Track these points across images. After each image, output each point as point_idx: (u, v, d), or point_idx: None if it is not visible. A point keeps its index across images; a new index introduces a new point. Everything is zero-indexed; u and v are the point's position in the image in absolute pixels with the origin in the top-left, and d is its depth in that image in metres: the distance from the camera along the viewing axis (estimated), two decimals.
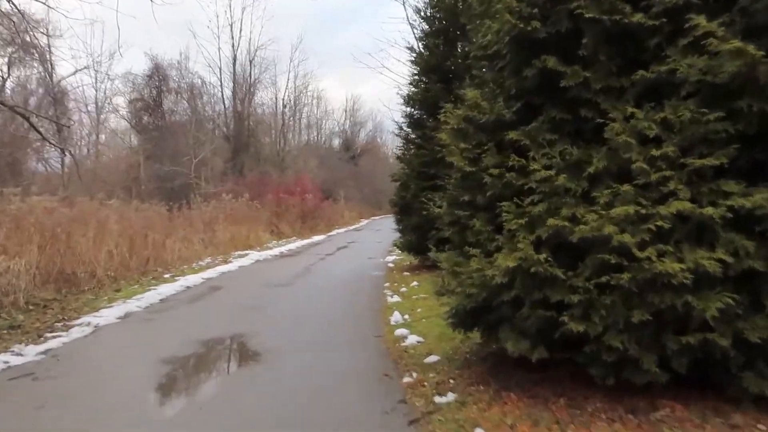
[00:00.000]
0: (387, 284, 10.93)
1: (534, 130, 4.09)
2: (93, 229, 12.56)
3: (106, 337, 6.87)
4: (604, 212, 3.47)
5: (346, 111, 54.26)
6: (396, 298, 9.19)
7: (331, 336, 6.76)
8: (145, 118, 32.71)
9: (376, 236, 25.14)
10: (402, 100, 13.46)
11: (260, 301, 9.31)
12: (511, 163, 4.08)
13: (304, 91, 42.53)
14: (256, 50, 33.57)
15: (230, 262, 15.36)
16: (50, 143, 15.51)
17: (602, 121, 3.80)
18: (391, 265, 14.37)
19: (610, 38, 3.95)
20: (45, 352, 6.06)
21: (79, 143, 30.29)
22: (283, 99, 39.12)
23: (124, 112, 31.94)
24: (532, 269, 3.59)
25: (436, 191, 12.11)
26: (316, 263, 15.08)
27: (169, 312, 8.51)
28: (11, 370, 5.42)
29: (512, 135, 4.11)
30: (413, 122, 13.40)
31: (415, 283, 10.69)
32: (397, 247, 14.39)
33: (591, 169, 3.73)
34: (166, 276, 12.38)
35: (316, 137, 50.25)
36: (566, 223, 3.54)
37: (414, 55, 13.47)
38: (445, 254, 4.77)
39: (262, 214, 23.67)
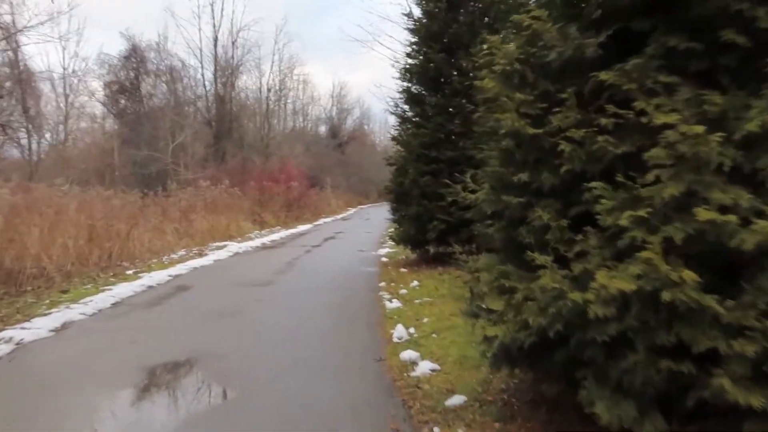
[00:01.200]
0: (383, 284, 9.40)
1: (637, 68, 2.58)
2: (48, 219, 11.03)
3: (26, 362, 5.28)
4: None
5: (332, 97, 52.35)
6: (396, 303, 7.68)
7: (318, 360, 5.23)
8: (122, 101, 30.87)
9: (366, 226, 23.66)
10: (398, 74, 11.96)
11: (233, 305, 7.75)
12: (603, 121, 2.58)
13: (290, 75, 40.53)
14: (239, 31, 31.64)
15: (206, 255, 13.88)
16: None
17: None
18: (384, 259, 12.84)
19: None
20: None
21: (56, 128, 28.46)
22: (267, 83, 37.18)
23: (100, 96, 30.03)
24: (665, 295, 2.11)
25: (437, 177, 10.73)
26: (301, 256, 13.55)
27: (119, 321, 6.93)
28: None
29: (604, 77, 2.60)
30: (411, 98, 11.83)
31: (415, 282, 9.19)
32: (392, 239, 12.90)
33: (751, 126, 2.24)
34: (129, 273, 10.81)
35: (302, 123, 48.38)
36: (732, 218, 2.04)
37: (412, 21, 11.86)
38: (484, 259, 3.27)
39: (244, 202, 22.21)
